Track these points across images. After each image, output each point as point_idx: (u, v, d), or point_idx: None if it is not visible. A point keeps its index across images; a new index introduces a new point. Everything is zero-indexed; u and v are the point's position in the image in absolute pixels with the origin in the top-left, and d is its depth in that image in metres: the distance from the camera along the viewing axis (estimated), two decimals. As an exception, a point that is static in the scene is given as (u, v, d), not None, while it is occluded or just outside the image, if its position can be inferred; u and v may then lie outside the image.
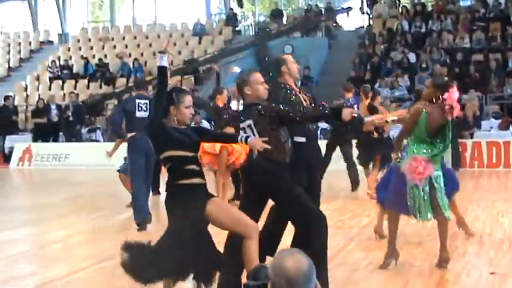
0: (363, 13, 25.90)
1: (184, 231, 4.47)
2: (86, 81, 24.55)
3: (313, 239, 4.91)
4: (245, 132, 4.91)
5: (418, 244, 7.06)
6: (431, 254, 6.57)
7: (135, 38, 27.36)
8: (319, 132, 14.07)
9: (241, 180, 5.56)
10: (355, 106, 10.88)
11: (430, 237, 7.37)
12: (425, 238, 7.32)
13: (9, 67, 27.52)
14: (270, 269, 2.76)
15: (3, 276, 6.16)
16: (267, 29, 24.36)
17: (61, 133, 19.57)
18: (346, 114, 4.87)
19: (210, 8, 30.01)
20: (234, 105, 9.62)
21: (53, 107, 19.97)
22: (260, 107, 4.96)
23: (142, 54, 25.77)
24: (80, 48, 27.30)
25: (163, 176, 5.86)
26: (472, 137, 15.60)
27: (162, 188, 9.53)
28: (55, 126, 19.72)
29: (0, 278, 6.09)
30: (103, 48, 26.90)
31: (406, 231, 7.71)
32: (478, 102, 17.47)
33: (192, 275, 4.63)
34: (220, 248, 4.81)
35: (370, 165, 10.55)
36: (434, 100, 5.88)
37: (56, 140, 19.40)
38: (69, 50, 27.43)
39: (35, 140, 19.06)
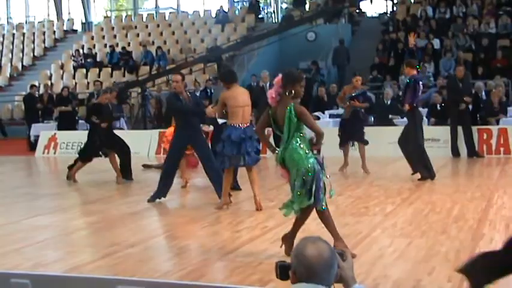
0: (387, -1, 25.72)
1: None
2: (109, 69, 24.68)
3: None
4: None
5: (443, 231, 7.02)
6: (456, 241, 6.54)
7: (158, 26, 27.39)
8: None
9: None
10: (421, 83, 10.86)
11: (455, 224, 7.34)
12: (450, 226, 7.28)
13: (34, 56, 27.73)
14: (292, 256, 2.73)
15: (31, 262, 6.25)
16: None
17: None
18: None
19: (232, -4, 29.98)
20: None
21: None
22: None
23: (165, 42, 25.82)
24: (103, 37, 27.42)
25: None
26: (498, 123, 15.40)
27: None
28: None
29: (28, 264, 6.17)
30: (126, 36, 26.99)
31: (432, 219, 7.69)
32: (504, 88, 17.25)
33: None
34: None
35: None
36: (287, 94, 6.07)
37: (75, 128, 19.46)
38: (92, 38, 27.55)
39: (59, 128, 19.17)
